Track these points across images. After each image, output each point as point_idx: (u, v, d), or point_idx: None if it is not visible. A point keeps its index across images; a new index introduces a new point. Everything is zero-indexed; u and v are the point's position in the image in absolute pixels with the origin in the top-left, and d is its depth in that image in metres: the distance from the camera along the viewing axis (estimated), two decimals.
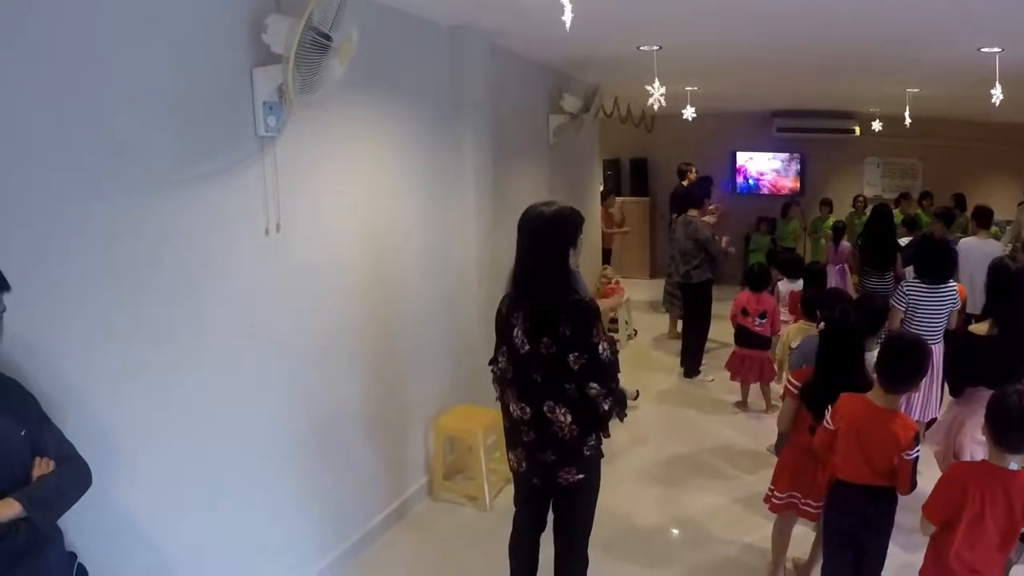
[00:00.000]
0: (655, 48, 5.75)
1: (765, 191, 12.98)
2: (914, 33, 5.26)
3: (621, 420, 3.14)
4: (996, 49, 5.54)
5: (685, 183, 9.10)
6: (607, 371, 2.97)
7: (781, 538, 4.05)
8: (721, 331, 7.85)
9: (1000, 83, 5.62)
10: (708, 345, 7.77)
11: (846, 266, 9.66)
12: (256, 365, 3.34)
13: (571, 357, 2.93)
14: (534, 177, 6.67)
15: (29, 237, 2.32)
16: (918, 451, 3.14)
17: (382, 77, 4.10)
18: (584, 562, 3.30)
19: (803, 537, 4.14)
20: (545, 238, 2.99)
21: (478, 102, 5.09)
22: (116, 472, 2.59)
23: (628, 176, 13.09)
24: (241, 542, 3.32)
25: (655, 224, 13.07)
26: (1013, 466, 2.84)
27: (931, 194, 11.44)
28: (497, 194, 5.46)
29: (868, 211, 10.87)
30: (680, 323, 8.22)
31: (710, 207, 7.62)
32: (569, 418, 3.00)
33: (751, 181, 13.07)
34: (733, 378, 6.83)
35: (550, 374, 2.98)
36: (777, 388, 6.68)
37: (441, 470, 4.89)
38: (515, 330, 3.05)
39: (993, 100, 5.67)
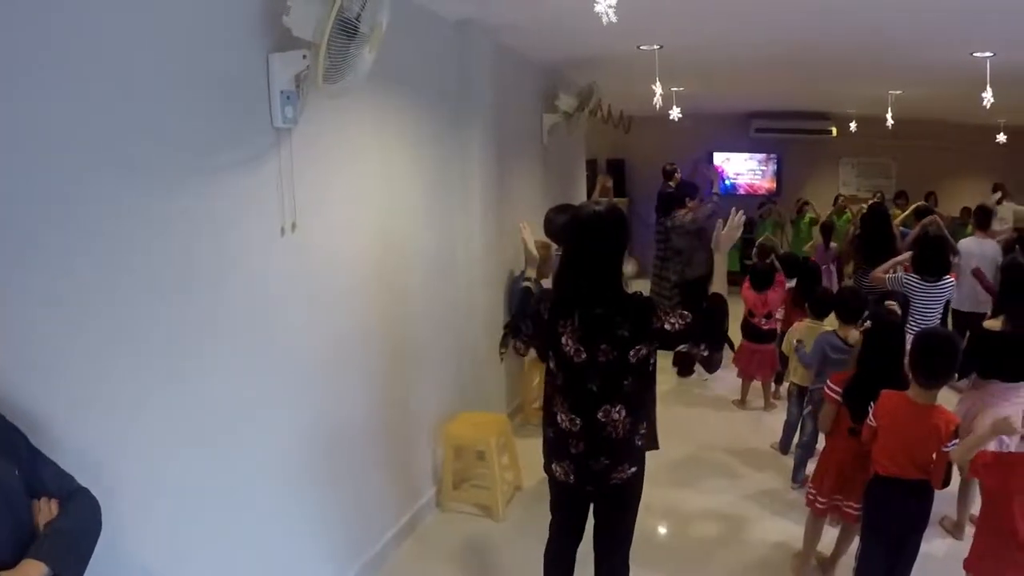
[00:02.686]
0: (656, 47, 5.70)
1: (742, 192, 13.02)
2: (912, 36, 5.34)
3: (732, 349, 3.09)
4: (988, 54, 5.68)
5: (672, 183, 9.02)
6: (688, 334, 2.83)
7: (814, 533, 4.08)
8: None
9: (991, 87, 5.76)
10: None
11: (832, 265, 9.73)
12: (267, 376, 3.09)
13: (631, 353, 2.80)
14: (529, 177, 6.53)
15: (17, 238, 2.03)
16: (956, 443, 3.19)
17: (391, 71, 3.89)
18: (628, 569, 3.16)
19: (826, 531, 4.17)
20: (603, 238, 2.84)
21: (483, 100, 4.94)
22: (120, 502, 2.31)
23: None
24: (253, 569, 3.07)
25: (633, 224, 13.01)
26: None
27: (906, 193, 11.61)
28: (498, 195, 5.32)
29: (850, 211, 11.06)
30: None
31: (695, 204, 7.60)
32: (623, 412, 2.86)
33: (728, 182, 13.10)
34: (741, 374, 6.76)
35: (608, 379, 2.84)
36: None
37: (451, 480, 4.70)
38: (563, 338, 2.88)
39: (984, 103, 5.81)
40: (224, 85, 2.75)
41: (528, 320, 3.10)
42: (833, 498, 3.89)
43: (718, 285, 3.04)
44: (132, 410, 2.40)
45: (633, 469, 2.97)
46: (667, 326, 2.79)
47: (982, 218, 7.48)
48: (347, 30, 2.73)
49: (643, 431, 2.98)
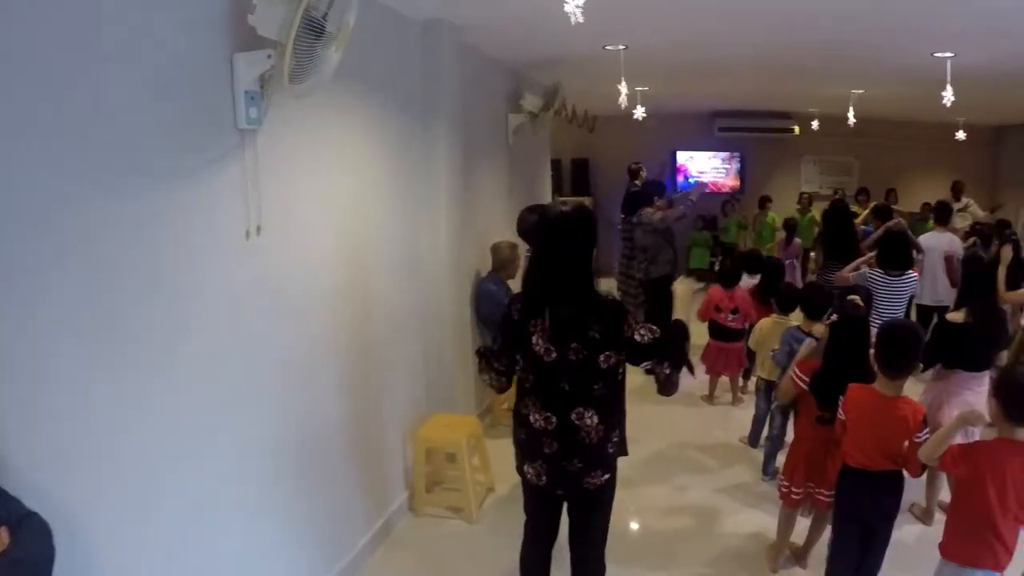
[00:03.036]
0: (621, 48, 5.71)
1: (706, 190, 13.11)
2: (874, 38, 5.42)
3: (691, 372, 3.05)
4: (949, 54, 5.78)
5: (638, 182, 9.06)
6: (654, 348, 2.84)
7: (788, 523, 4.14)
8: None
9: (951, 86, 5.85)
10: None
11: (796, 261, 9.89)
12: (235, 382, 3.01)
13: (601, 358, 2.81)
14: (494, 178, 6.50)
15: None
16: (927, 433, 3.24)
17: (357, 71, 3.83)
18: (604, 568, 3.16)
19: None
20: (572, 238, 2.85)
21: (449, 101, 4.90)
22: (84, 516, 2.26)
23: (570, 176, 13.01)
24: None
25: (599, 223, 13.04)
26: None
27: (867, 190, 11.81)
28: (464, 195, 5.29)
29: (813, 208, 11.24)
30: None
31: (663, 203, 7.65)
32: (596, 419, 2.87)
33: (692, 180, 13.19)
34: (709, 371, 6.81)
35: (579, 380, 2.84)
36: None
37: (423, 484, 4.66)
38: (533, 338, 2.88)
39: (944, 102, 5.90)
40: (187, 86, 2.67)
41: (498, 332, 3.09)
42: (807, 486, 3.95)
43: (680, 314, 3.06)
44: (95, 420, 2.33)
45: (606, 476, 2.99)
46: (637, 336, 2.81)
47: (941, 214, 7.63)
48: (313, 29, 2.68)
49: (616, 439, 2.99)
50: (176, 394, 2.67)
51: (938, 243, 7.21)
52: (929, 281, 7.03)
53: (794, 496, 4.00)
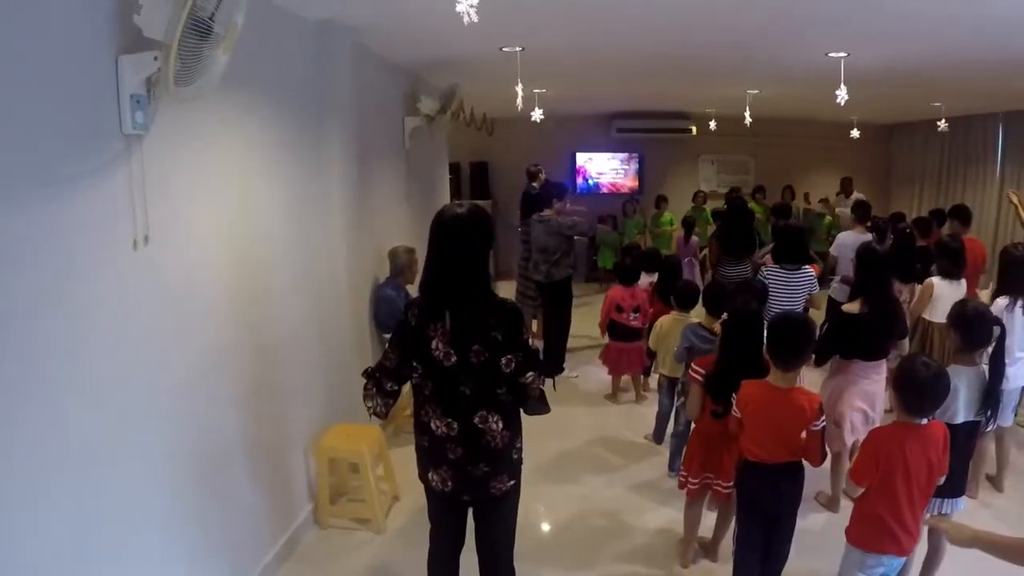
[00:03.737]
0: (518, 49, 5.72)
1: (605, 190, 13.29)
2: (769, 38, 5.56)
3: (555, 388, 3.09)
4: (842, 54, 5.97)
5: (536, 184, 9.08)
6: (537, 360, 2.90)
7: (693, 518, 4.20)
8: (578, 326, 7.92)
9: (845, 84, 6.03)
10: (569, 342, 7.76)
11: (694, 258, 10.08)
12: (127, 397, 2.86)
13: (503, 360, 2.80)
14: (391, 182, 6.43)
15: None
16: (823, 421, 3.36)
17: (248, 74, 3.72)
18: (513, 571, 3.15)
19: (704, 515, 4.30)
20: (466, 240, 2.82)
21: (343, 104, 4.82)
22: None
23: (469, 180, 12.98)
24: None
25: (498, 226, 13.06)
26: (922, 420, 3.05)
27: (764, 188, 12.15)
28: (360, 200, 5.20)
29: (707, 206, 11.51)
30: (535, 323, 8.21)
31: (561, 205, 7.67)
32: (501, 424, 2.86)
33: (591, 181, 13.33)
34: (611, 372, 6.87)
35: (481, 383, 2.82)
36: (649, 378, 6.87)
37: (327, 496, 4.56)
38: (432, 342, 2.83)
39: (838, 100, 6.06)
40: (69, 88, 2.53)
41: (392, 345, 3.03)
42: (705, 477, 4.03)
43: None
44: None
45: (512, 482, 2.99)
46: (532, 341, 2.86)
47: (861, 212, 7.77)
48: (200, 30, 2.59)
49: (519, 445, 3.00)
50: (61, 414, 2.51)
51: (856, 242, 7.29)
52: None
53: (691, 486, 4.07)
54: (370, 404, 3.03)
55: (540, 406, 2.93)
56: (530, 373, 2.87)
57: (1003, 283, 4.90)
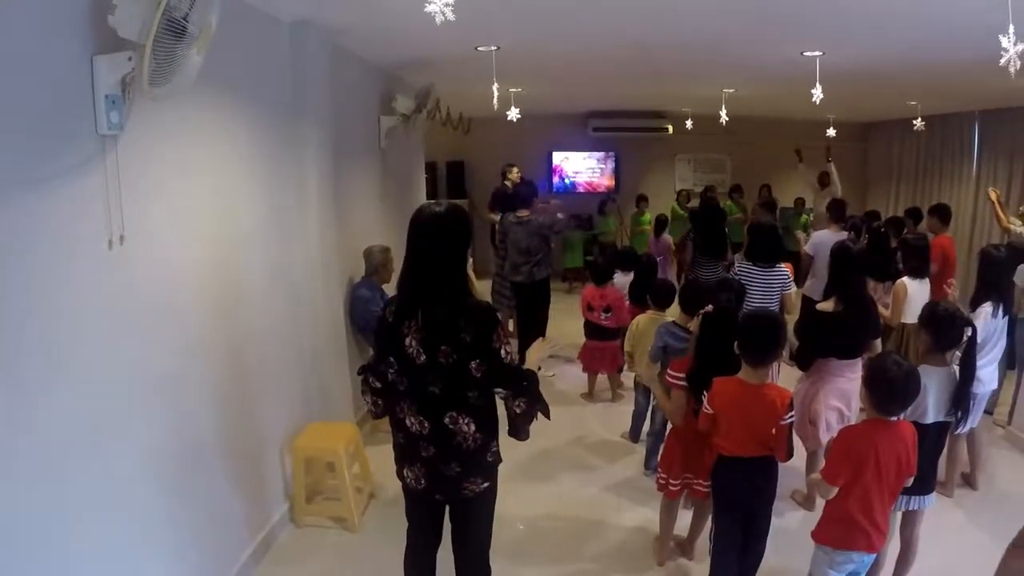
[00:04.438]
0: (493, 49, 5.73)
1: (581, 190, 13.33)
2: (745, 37, 5.60)
3: (548, 418, 2.99)
4: (817, 53, 6.02)
5: (508, 183, 9.10)
6: (514, 374, 2.85)
7: (669, 517, 4.24)
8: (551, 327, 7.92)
9: (820, 83, 6.07)
10: None
11: (668, 257, 10.13)
12: (102, 398, 2.85)
13: (473, 364, 2.79)
14: (367, 181, 6.43)
15: None
16: (792, 416, 3.39)
17: (223, 74, 3.72)
18: (489, 570, 3.17)
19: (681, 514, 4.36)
20: (442, 239, 2.83)
21: (319, 103, 4.82)
22: None
23: (445, 179, 12.98)
24: None
25: (475, 225, 13.08)
26: (893, 418, 3.11)
27: (740, 187, 12.22)
28: (336, 200, 5.20)
29: (690, 203, 11.57)
30: (512, 322, 8.22)
31: (541, 204, 7.68)
32: (473, 427, 2.86)
33: (567, 180, 13.36)
34: (586, 370, 6.91)
35: (451, 384, 2.82)
36: (625, 377, 6.88)
37: (303, 494, 4.56)
38: (407, 339, 2.85)
39: (814, 99, 6.10)
40: (43, 89, 2.52)
41: (375, 339, 3.05)
42: (685, 478, 4.05)
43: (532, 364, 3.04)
44: None
45: (485, 484, 2.99)
46: (503, 352, 2.80)
47: (836, 212, 7.81)
48: (174, 30, 2.58)
49: (495, 448, 3.00)
50: (42, 413, 2.52)
51: (832, 241, 7.33)
52: (820, 277, 7.01)
53: (672, 487, 4.10)
54: (367, 400, 3.06)
55: (519, 429, 2.92)
56: (500, 389, 2.85)
57: (982, 283, 4.96)
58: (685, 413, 3.96)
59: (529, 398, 2.86)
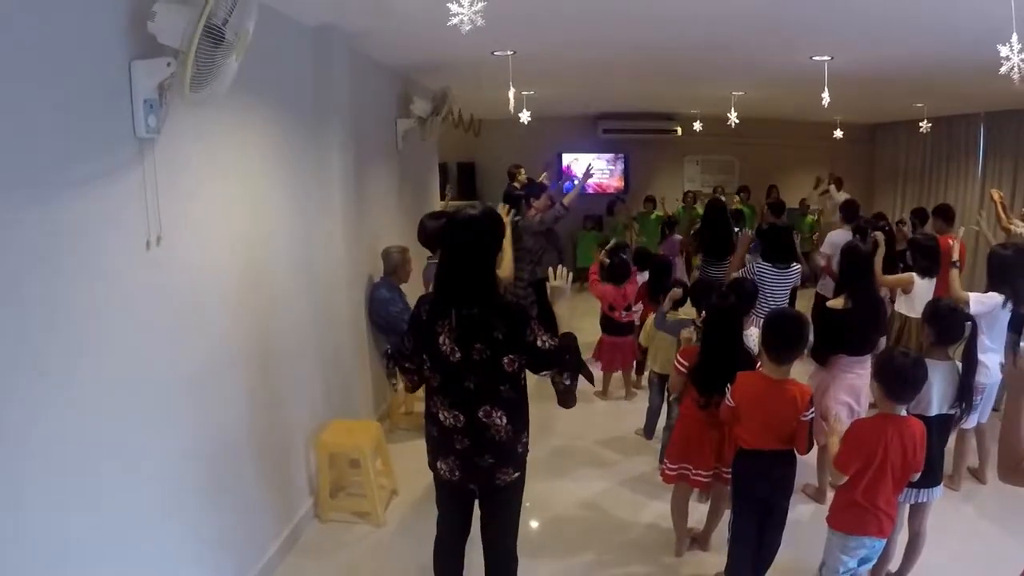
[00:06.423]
0: (509, 53, 5.80)
1: (591, 191, 13.38)
2: (756, 43, 5.68)
3: (592, 383, 3.15)
4: (826, 57, 6.10)
5: (517, 184, 9.17)
6: (554, 357, 2.96)
7: (678, 512, 4.32)
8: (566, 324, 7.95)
9: (828, 88, 6.17)
10: None
11: (679, 257, 10.18)
12: (136, 396, 2.92)
13: (505, 360, 2.91)
14: (385, 183, 6.52)
15: None
16: (813, 412, 3.50)
17: (252, 77, 3.76)
18: (516, 559, 3.27)
19: (693, 508, 4.43)
20: (476, 241, 2.94)
21: (341, 106, 4.90)
22: None
23: (456, 180, 13.04)
24: None
25: None
26: (903, 412, 3.24)
27: (748, 188, 12.28)
28: (357, 201, 5.29)
29: (697, 205, 11.62)
30: None
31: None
32: (505, 419, 2.98)
33: (577, 182, 13.39)
34: (603, 367, 6.97)
35: (484, 379, 2.94)
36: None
37: (327, 490, 4.66)
38: (440, 338, 2.96)
39: (822, 103, 6.21)
40: (83, 93, 2.60)
41: (408, 333, 3.14)
42: (681, 467, 4.15)
43: (565, 324, 3.19)
44: None
45: (517, 474, 3.11)
46: (539, 343, 2.91)
47: (848, 212, 7.94)
48: (213, 37, 2.67)
49: (525, 440, 3.12)
50: (75, 413, 2.58)
51: (844, 240, 7.42)
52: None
53: (668, 472, 4.20)
54: (393, 381, 3.16)
55: (567, 399, 3.13)
56: (545, 371, 3.00)
57: (992, 282, 5.03)
58: (687, 405, 4.11)
59: (573, 371, 3.02)
